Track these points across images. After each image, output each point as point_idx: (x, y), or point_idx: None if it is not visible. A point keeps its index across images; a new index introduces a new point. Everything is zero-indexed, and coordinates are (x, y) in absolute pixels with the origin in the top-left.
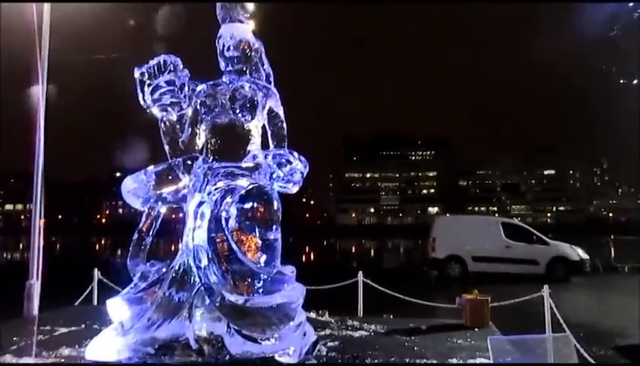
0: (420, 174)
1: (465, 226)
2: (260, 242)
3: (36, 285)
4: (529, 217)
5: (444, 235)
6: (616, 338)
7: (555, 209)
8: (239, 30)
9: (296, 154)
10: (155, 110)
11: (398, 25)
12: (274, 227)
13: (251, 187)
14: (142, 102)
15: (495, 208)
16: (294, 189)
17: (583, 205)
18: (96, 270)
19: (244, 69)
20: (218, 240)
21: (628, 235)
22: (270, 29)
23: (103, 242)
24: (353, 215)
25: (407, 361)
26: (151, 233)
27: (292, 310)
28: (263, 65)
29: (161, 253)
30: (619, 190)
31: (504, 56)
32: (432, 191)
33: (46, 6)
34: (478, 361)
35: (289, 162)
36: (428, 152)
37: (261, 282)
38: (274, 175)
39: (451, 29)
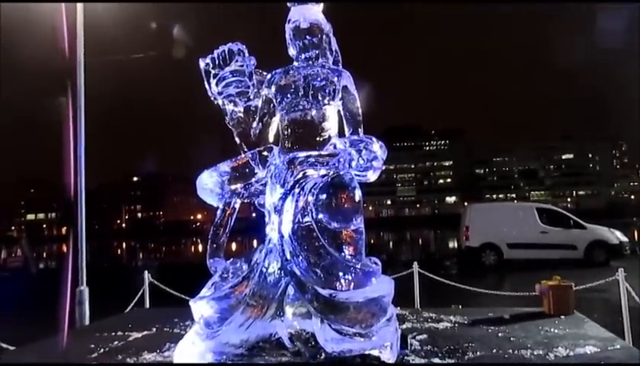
0: (435, 164)
1: (499, 213)
2: (345, 234)
3: (86, 291)
4: (549, 203)
5: (478, 223)
6: None
7: (574, 194)
8: (311, 12)
9: (374, 139)
10: (221, 102)
11: (406, 16)
12: (358, 218)
13: (333, 176)
14: (209, 94)
15: (514, 195)
16: (373, 177)
17: (603, 189)
18: (146, 273)
19: (317, 53)
20: (304, 233)
21: None
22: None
23: (125, 245)
24: (371, 208)
25: (510, 351)
26: (227, 230)
27: (385, 304)
28: (331, 47)
29: (232, 250)
30: None
31: (516, 43)
32: (449, 180)
33: (79, 6)
34: (587, 349)
35: (369, 149)
36: (442, 142)
37: (352, 275)
38: (353, 163)
39: (463, 17)
